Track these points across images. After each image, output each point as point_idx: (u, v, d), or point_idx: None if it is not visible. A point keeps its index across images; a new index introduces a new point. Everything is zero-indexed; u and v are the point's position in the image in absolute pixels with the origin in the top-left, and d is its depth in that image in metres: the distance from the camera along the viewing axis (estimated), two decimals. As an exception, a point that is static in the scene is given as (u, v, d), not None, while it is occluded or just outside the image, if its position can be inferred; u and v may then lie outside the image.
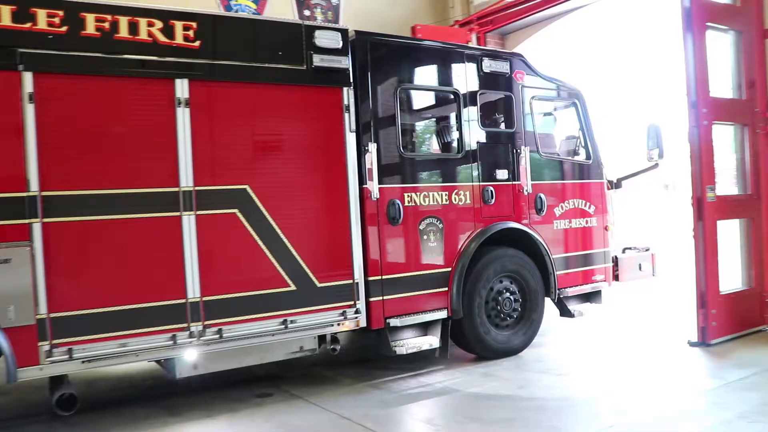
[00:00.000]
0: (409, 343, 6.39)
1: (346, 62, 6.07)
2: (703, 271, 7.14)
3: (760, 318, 7.75)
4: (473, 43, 11.65)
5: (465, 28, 11.67)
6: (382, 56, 6.49)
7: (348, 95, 6.11)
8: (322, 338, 6.09)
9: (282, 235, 5.74)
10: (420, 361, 7.03)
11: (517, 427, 5.00)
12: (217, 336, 5.41)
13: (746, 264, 7.88)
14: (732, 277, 7.64)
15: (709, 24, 7.41)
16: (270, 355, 5.90)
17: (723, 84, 7.97)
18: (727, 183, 8.28)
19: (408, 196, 6.45)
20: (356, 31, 6.27)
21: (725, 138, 8.05)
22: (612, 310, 9.37)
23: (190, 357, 5.42)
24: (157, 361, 5.66)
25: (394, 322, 6.27)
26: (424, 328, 6.61)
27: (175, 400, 6.12)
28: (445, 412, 5.56)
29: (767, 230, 7.91)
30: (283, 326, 5.70)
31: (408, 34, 11.22)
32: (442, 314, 6.59)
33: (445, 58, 7.03)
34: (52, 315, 4.86)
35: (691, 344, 7.12)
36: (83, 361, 4.96)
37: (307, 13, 11.18)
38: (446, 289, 6.65)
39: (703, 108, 7.15)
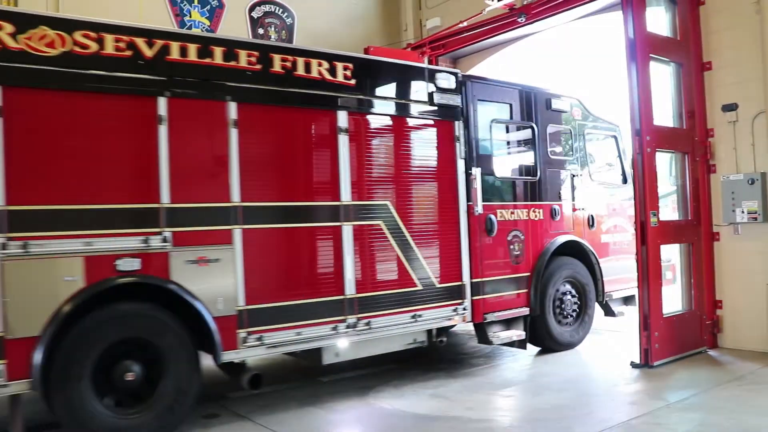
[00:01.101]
0: (501, 335, 7.61)
1: (458, 100, 7.38)
2: (646, 294, 7.33)
3: (700, 340, 8.00)
4: (425, 64, 11.81)
5: (417, 51, 11.82)
6: (481, 95, 7.72)
7: (458, 127, 7.35)
8: (428, 332, 7.18)
9: (412, 243, 6.87)
10: (369, 379, 7.03)
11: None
12: (367, 327, 6.47)
13: (686, 287, 8.14)
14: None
15: (652, 55, 7.69)
16: (392, 346, 6.91)
17: (666, 113, 8.28)
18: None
19: (500, 212, 7.71)
20: (463, 75, 7.56)
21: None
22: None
23: (342, 345, 6.42)
24: (293, 354, 6.48)
25: (490, 317, 7.49)
26: (508, 323, 7.80)
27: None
28: (394, 434, 5.56)
29: (706, 254, 8.20)
30: (413, 320, 6.81)
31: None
32: (525, 311, 7.88)
33: (524, 97, 8.21)
34: (248, 307, 5.76)
35: (634, 366, 7.28)
36: (268, 347, 5.89)
37: (261, 31, 11.17)
38: (526, 290, 7.93)
39: (646, 136, 7.40)
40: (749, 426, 5.17)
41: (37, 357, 4.84)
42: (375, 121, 6.79)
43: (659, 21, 8.21)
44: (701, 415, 5.52)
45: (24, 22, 4.94)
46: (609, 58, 11.23)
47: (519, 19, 10.12)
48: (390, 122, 6.90)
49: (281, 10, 11.44)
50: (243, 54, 5.89)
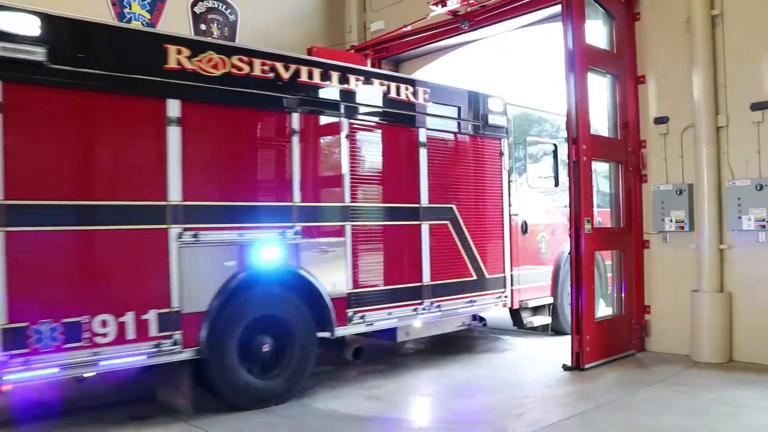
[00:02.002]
0: (533, 321, 9.09)
1: (505, 120, 8.80)
2: (579, 298, 7.52)
3: (630, 343, 8.25)
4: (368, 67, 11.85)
5: (360, 54, 11.82)
6: (518, 117, 9.16)
7: (504, 144, 8.77)
8: (472, 317, 8.62)
9: (469, 240, 8.21)
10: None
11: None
12: (437, 309, 7.78)
13: (617, 292, 8.39)
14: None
15: (590, 67, 7.91)
16: (448, 327, 8.33)
17: (604, 123, 8.54)
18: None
19: (531, 216, 9.20)
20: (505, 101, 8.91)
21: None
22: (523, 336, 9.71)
23: (416, 325, 7.72)
24: (367, 335, 7.50)
25: (524, 304, 8.94)
26: (534, 310, 9.18)
27: (48, 422, 5.72)
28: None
29: (636, 261, 8.47)
30: (469, 304, 8.17)
31: (304, 55, 11.24)
32: (550, 300, 9.39)
33: (549, 120, 9.75)
34: (354, 290, 6.92)
35: (566, 368, 7.46)
36: (367, 324, 7.04)
37: (203, 27, 10.98)
38: (550, 282, 9.42)
39: (583, 144, 7.59)
40: (672, 426, 5.36)
41: (204, 329, 5.78)
42: (445, 138, 8.12)
43: (597, 34, 8.44)
44: (628, 416, 5.69)
45: (197, 47, 5.93)
46: (553, 65, 11.51)
47: (462, 26, 10.23)
48: (455, 138, 8.29)
49: (224, 6, 11.27)
50: (353, 78, 7.15)
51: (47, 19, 5.11)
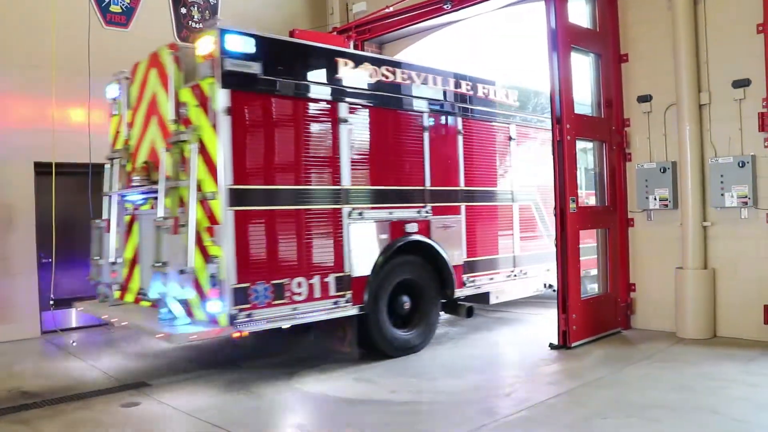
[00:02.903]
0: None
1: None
2: (565, 277, 7.56)
3: (615, 321, 8.33)
4: (350, 49, 11.77)
5: (343, 36, 11.74)
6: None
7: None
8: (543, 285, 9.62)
9: (545, 218, 9.59)
10: (293, 365, 7.00)
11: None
12: (525, 276, 9.18)
13: (603, 271, 8.45)
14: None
15: (573, 46, 7.90)
16: (527, 292, 9.42)
17: (587, 102, 8.54)
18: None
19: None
20: None
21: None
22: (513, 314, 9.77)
23: (505, 289, 9.00)
24: (468, 300, 8.46)
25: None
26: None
27: (33, 412, 5.70)
28: (318, 418, 5.55)
29: (621, 240, 8.53)
30: (547, 272, 9.29)
31: (286, 37, 11.12)
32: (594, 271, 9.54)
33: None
34: (468, 259, 8.37)
35: (553, 347, 7.52)
36: (476, 288, 8.47)
37: (183, 11, 10.86)
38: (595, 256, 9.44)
39: (567, 124, 7.60)
40: (659, 401, 5.42)
41: (366, 290, 7.14)
42: (527, 132, 9.57)
43: (580, 13, 8.43)
44: (615, 392, 5.76)
45: (357, 59, 7.37)
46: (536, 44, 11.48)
47: (445, 6, 10.18)
48: (536, 133, 9.67)
49: (205, -11, 11.14)
50: (464, 84, 8.53)
51: (259, 39, 6.36)
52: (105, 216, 7.71)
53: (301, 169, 6.73)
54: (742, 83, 7.55)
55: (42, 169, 8.91)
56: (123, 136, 7.68)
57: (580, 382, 6.13)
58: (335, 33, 11.90)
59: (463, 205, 8.39)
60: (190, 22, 10.92)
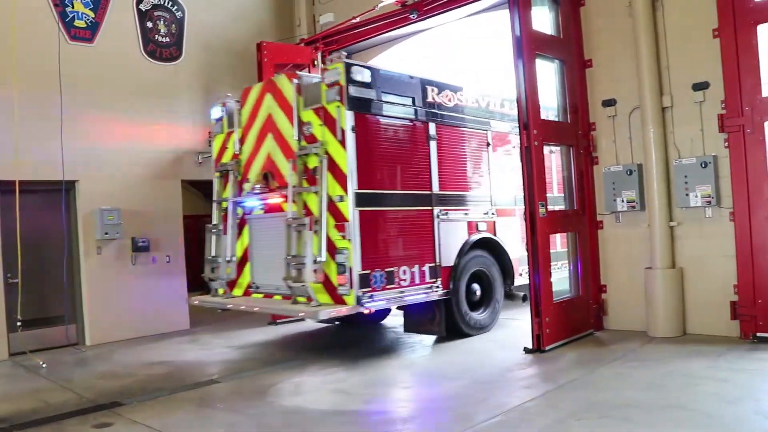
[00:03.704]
0: None
1: None
2: (537, 281, 7.63)
3: (588, 323, 8.42)
4: (318, 62, 11.79)
5: (310, 47, 11.76)
6: None
7: None
8: None
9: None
10: (268, 379, 6.95)
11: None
12: (558, 269, 9.02)
13: (574, 274, 8.54)
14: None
15: (538, 53, 8.00)
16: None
17: (553, 107, 8.65)
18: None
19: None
20: None
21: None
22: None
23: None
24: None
25: None
26: None
27: (-2, 438, 5.59)
28: None
29: (591, 242, 8.64)
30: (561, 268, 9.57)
31: (253, 51, 11.14)
32: None
33: None
34: (520, 255, 9.51)
35: (528, 351, 7.57)
36: (523, 278, 9.51)
37: (149, 25, 10.78)
38: None
39: (534, 129, 7.69)
40: (631, 400, 5.49)
41: (451, 278, 8.56)
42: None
43: (544, 20, 8.54)
44: (589, 394, 5.81)
45: (440, 86, 8.78)
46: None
47: (411, 16, 10.26)
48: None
49: (170, 3, 11.08)
50: (508, 104, 9.81)
51: (373, 70, 7.91)
52: (214, 221, 9.14)
53: (404, 177, 8.21)
54: (701, 86, 7.72)
55: (6, 188, 8.75)
56: (232, 151, 8.96)
57: (555, 385, 6.18)
58: (303, 44, 11.92)
59: (516, 208, 9.77)
60: (156, 36, 10.84)
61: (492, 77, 11.89)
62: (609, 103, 8.53)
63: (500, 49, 10.48)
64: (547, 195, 8.00)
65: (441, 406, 5.81)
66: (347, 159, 7.44)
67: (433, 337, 8.97)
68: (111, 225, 9.92)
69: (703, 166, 7.65)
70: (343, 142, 7.48)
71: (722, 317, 7.61)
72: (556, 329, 7.75)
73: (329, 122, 7.59)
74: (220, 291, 8.96)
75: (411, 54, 12.24)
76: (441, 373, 7.12)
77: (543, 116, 8.05)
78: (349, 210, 7.44)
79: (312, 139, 7.76)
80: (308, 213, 7.69)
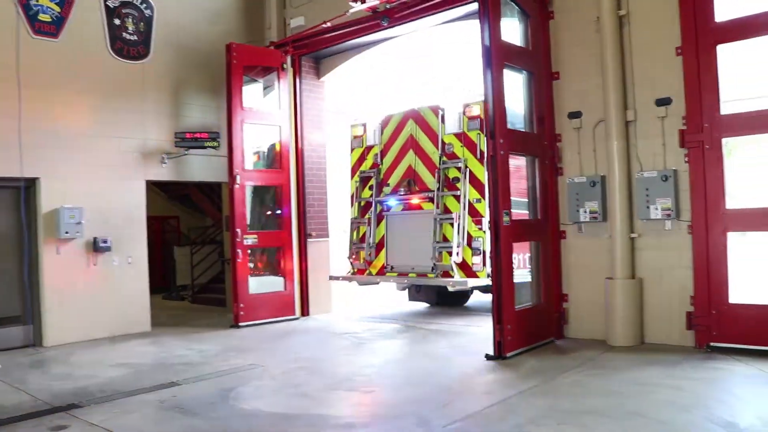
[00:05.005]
0: None
1: None
2: (499, 288, 7.71)
3: (549, 331, 8.54)
4: (288, 65, 11.77)
5: (280, 50, 11.73)
6: None
7: None
8: None
9: None
10: (230, 381, 6.90)
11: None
12: None
13: (536, 282, 8.65)
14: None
15: (506, 64, 8.11)
16: None
17: (520, 118, 8.76)
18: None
19: None
20: None
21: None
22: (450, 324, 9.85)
23: None
24: None
25: None
26: None
27: None
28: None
29: (554, 251, 8.76)
30: None
31: (222, 52, 11.08)
32: None
33: None
34: None
35: (489, 358, 7.64)
36: None
37: (117, 22, 10.64)
38: None
39: (500, 139, 7.77)
40: (589, 407, 5.58)
41: None
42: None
43: (514, 32, 8.66)
44: (548, 401, 5.89)
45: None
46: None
47: (382, 23, 10.30)
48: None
49: (140, 0, 10.96)
50: None
51: (477, 105, 9.79)
52: (353, 215, 11.49)
53: (519, 187, 8.81)
54: (664, 102, 7.91)
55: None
56: (371, 162, 11.41)
57: (515, 392, 6.24)
58: (272, 47, 11.89)
59: None
60: (123, 33, 10.71)
61: (470, 81, 12.08)
62: (575, 115, 8.68)
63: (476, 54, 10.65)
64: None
65: (402, 411, 5.82)
66: (484, 172, 9.62)
67: (397, 343, 8.99)
68: (72, 224, 9.73)
69: (663, 179, 7.83)
70: (481, 160, 9.72)
71: (678, 327, 7.79)
72: (517, 337, 7.83)
73: (469, 145, 10.03)
74: (354, 270, 11.34)
75: (387, 58, 12.34)
76: (402, 378, 7.15)
77: (510, 126, 8.15)
78: (485, 209, 9.58)
79: (452, 156, 10.21)
80: (447, 211, 10.06)
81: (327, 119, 12.74)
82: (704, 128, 7.58)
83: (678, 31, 7.73)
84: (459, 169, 10.01)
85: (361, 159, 11.62)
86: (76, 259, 9.97)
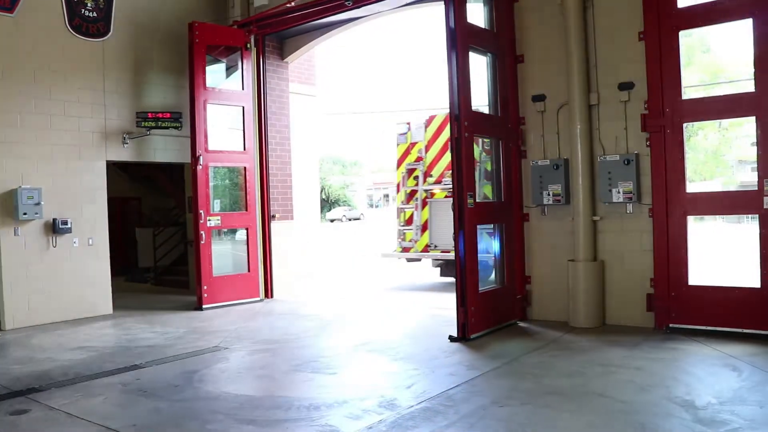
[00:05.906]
0: None
1: None
2: (463, 270, 7.76)
3: (512, 313, 8.65)
4: (252, 45, 11.60)
5: (244, 30, 11.55)
6: None
7: None
8: None
9: None
10: (194, 364, 6.85)
11: (296, 428, 5.05)
12: None
13: (500, 264, 8.74)
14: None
15: (471, 45, 8.10)
16: None
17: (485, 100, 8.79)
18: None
19: None
20: None
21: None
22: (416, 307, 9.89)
23: None
24: None
25: None
26: None
27: None
28: (218, 417, 5.46)
29: (517, 234, 8.84)
30: None
31: (185, 31, 10.87)
32: None
33: None
34: None
35: (453, 339, 7.71)
36: None
37: (75, -2, 10.34)
38: None
39: (465, 121, 7.79)
40: (552, 388, 5.68)
41: None
42: None
43: (478, 13, 8.65)
44: (511, 381, 5.98)
45: None
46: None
47: (346, 2, 10.19)
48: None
49: (98, -24, 10.65)
50: None
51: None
52: (399, 201, 13.73)
53: None
54: (627, 86, 8.00)
55: None
56: (415, 155, 13.42)
57: (479, 373, 6.32)
58: (236, 27, 11.69)
59: None
60: (83, 10, 10.41)
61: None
62: (539, 98, 8.74)
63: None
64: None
65: (367, 393, 5.84)
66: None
67: (361, 325, 9.01)
68: (31, 205, 9.51)
69: (625, 163, 7.94)
70: None
71: (639, 308, 7.96)
72: (481, 318, 7.91)
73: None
74: (398, 249, 13.68)
75: (357, 42, 12.27)
76: (367, 359, 7.17)
77: (474, 108, 8.17)
78: None
79: (489, 152, 9.79)
80: None
81: (291, 100, 12.63)
82: (665, 113, 7.70)
83: (641, 16, 7.81)
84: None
85: (406, 153, 13.66)
86: (36, 241, 9.75)
